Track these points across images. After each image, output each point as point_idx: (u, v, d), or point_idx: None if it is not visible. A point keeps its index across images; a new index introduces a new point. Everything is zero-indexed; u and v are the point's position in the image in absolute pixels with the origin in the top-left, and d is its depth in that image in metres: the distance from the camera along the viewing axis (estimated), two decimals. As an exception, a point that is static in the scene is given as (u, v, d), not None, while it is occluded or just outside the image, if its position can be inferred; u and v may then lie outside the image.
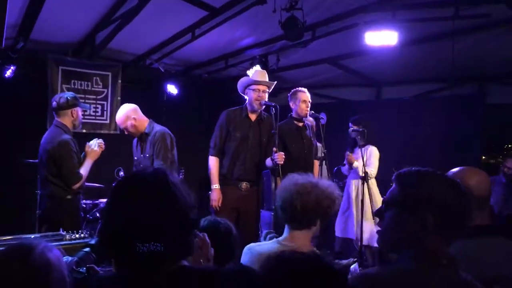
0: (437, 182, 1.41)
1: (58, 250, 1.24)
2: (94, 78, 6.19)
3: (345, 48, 5.68)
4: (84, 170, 3.75)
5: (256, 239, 3.47)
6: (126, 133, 4.15)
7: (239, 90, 4.30)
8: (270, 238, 2.31)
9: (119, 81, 6.36)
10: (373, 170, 4.98)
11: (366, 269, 1.66)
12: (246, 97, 4.24)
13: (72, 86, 5.97)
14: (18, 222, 4.97)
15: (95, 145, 3.86)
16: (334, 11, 4.64)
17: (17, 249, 1.19)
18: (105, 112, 6.30)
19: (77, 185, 3.68)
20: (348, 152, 5.08)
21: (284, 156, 3.97)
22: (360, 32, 4.59)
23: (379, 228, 1.50)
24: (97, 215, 4.93)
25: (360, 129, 5.01)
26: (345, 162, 5.23)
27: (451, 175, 1.85)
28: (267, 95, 4.19)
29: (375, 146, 5.10)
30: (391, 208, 1.45)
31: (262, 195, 4.58)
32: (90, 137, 4.30)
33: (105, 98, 6.30)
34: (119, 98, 6.35)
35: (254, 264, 2.00)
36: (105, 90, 6.29)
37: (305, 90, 4.54)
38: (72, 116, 3.78)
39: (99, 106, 6.28)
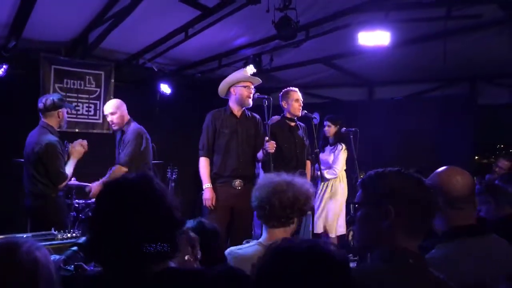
0: (398, 178, 1.47)
1: (45, 248, 1.24)
2: (87, 77, 6.16)
3: (338, 48, 5.70)
4: (68, 169, 3.92)
5: (251, 238, 3.48)
6: (110, 123, 4.31)
7: (222, 91, 4.28)
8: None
9: (112, 80, 6.33)
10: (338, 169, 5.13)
11: None
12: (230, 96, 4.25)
13: (65, 85, 5.94)
14: (10, 221, 4.95)
15: (77, 144, 4.03)
16: (327, 11, 4.66)
17: (4, 247, 1.19)
18: (98, 111, 6.27)
19: (63, 184, 3.86)
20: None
21: (275, 145, 4.01)
22: (353, 32, 4.60)
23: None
24: (90, 214, 4.92)
25: (353, 129, 5.06)
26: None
27: (434, 175, 1.88)
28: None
29: (344, 144, 5.21)
30: (358, 210, 1.52)
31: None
32: (82, 136, 4.32)
33: (98, 98, 6.27)
34: (112, 97, 6.30)
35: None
36: (98, 90, 6.26)
37: (297, 89, 4.57)
38: (58, 117, 3.94)
39: (92, 106, 6.24)
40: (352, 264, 1.31)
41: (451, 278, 1.42)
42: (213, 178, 4.13)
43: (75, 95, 5.95)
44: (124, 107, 4.31)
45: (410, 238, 1.42)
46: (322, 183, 5.10)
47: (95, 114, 6.27)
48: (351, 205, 1.55)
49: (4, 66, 5.34)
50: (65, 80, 5.96)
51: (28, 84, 5.78)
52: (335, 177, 5.11)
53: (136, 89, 6.79)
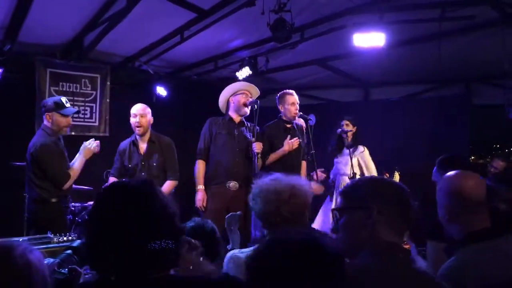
0: (376, 182, 1.57)
1: (38, 251, 1.24)
2: (83, 80, 6.15)
3: (333, 49, 5.71)
4: (75, 167, 3.80)
5: (248, 240, 3.46)
6: (136, 123, 4.20)
7: (222, 104, 4.40)
8: None
9: (108, 83, 6.33)
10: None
11: None
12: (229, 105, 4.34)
13: (61, 88, 5.93)
14: (6, 225, 4.93)
15: (89, 144, 3.90)
16: (322, 13, 4.67)
17: (-2, 250, 1.19)
18: (94, 114, 6.26)
19: (67, 184, 3.73)
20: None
21: (262, 146, 4.06)
22: (348, 34, 4.61)
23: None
24: (86, 218, 4.91)
25: (349, 130, 5.06)
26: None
27: (446, 179, 1.88)
28: None
29: (365, 146, 5.15)
30: (341, 218, 1.55)
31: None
32: (78, 139, 4.29)
33: (94, 100, 6.26)
34: (108, 100, 6.32)
35: (240, 272, 1.96)
36: (94, 92, 6.25)
37: (293, 92, 4.58)
38: (49, 120, 3.77)
39: (88, 108, 6.23)
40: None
41: (475, 283, 1.44)
42: (209, 180, 4.16)
43: (71, 98, 5.93)
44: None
45: (396, 234, 1.47)
46: None
47: (91, 117, 6.26)
48: (331, 213, 1.55)
49: (-1, 70, 5.33)
50: (60, 83, 5.95)
51: (24, 88, 5.77)
52: None
53: (132, 92, 6.78)
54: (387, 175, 4.76)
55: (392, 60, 5.70)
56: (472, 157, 7.27)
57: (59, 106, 3.78)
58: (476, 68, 6.11)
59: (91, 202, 5.04)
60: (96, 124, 6.30)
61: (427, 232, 2.35)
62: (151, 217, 1.25)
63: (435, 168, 2.50)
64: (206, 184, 4.24)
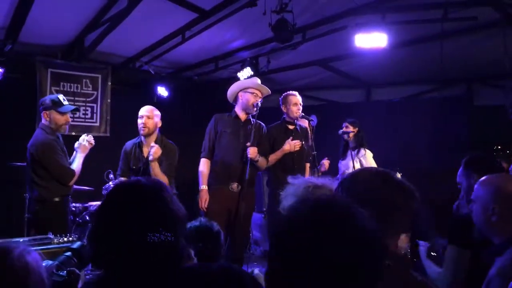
0: (371, 177, 1.49)
1: (36, 253, 1.23)
2: (84, 80, 6.15)
3: (335, 50, 5.70)
4: (76, 165, 3.76)
5: (248, 241, 3.47)
6: (141, 124, 4.11)
7: (231, 95, 4.30)
8: None
9: (109, 83, 6.33)
10: None
11: None
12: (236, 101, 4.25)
13: (62, 89, 5.92)
14: (6, 225, 4.93)
15: (83, 140, 3.86)
16: (324, 14, 4.67)
17: (-5, 252, 1.18)
18: (94, 114, 6.26)
19: (73, 180, 3.71)
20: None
21: (256, 151, 4.02)
22: (350, 34, 4.61)
23: None
24: (87, 218, 4.89)
25: (350, 131, 5.04)
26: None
27: (493, 182, 1.89)
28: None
29: (368, 149, 5.14)
30: None
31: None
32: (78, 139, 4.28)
33: (94, 101, 6.26)
34: (109, 100, 6.33)
35: None
36: (95, 93, 6.25)
37: (296, 93, 4.56)
38: (46, 119, 3.73)
39: (89, 109, 6.23)
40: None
41: None
42: (211, 180, 4.13)
43: (72, 98, 5.93)
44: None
45: (390, 235, 1.40)
46: None
47: (92, 117, 6.26)
48: None
49: (0, 70, 5.33)
50: (61, 84, 5.95)
51: (25, 88, 5.77)
52: None
53: (133, 92, 6.78)
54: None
55: (394, 61, 5.70)
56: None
57: (56, 103, 3.73)
58: (478, 69, 6.11)
59: (92, 203, 5.04)
60: (97, 124, 6.30)
61: (447, 235, 2.31)
62: (163, 217, 1.25)
63: (460, 169, 2.45)
64: (208, 184, 4.20)
